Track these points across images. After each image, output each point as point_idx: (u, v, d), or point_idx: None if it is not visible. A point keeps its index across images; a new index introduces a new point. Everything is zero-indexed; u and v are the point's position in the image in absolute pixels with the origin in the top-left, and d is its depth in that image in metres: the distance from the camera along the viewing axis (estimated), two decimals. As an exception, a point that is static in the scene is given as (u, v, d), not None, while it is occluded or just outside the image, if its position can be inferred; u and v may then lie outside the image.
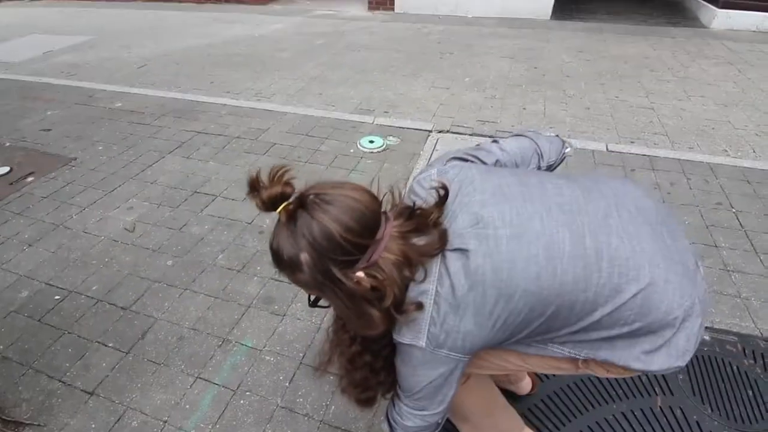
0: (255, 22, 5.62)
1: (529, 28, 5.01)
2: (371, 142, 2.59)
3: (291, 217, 0.61)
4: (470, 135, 2.69)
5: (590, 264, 0.62)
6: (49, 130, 2.92)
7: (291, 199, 0.62)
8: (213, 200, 2.16)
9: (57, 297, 1.65)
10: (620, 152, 2.46)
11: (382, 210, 0.66)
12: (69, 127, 2.94)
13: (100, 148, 2.67)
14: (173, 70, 3.93)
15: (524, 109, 3.02)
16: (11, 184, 2.34)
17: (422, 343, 0.65)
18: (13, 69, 4.13)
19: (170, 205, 2.13)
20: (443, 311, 0.63)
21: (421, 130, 2.75)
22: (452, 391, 0.71)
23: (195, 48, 4.58)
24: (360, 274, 0.62)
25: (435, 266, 0.64)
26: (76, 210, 2.12)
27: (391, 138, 2.65)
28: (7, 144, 2.75)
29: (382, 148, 2.55)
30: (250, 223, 1.99)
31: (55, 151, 2.65)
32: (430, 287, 0.64)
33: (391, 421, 0.78)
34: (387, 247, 0.62)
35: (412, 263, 0.63)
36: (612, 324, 0.64)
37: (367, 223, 0.62)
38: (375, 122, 2.86)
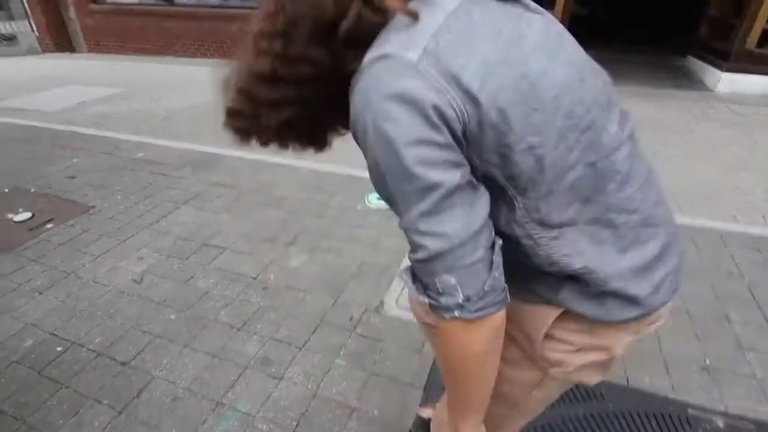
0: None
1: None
2: (379, 198, 2.64)
3: None
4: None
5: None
6: (73, 177, 3.06)
7: None
8: (221, 253, 2.20)
9: (59, 348, 1.66)
10: (627, 216, 2.46)
11: None
12: (92, 176, 3.08)
13: (119, 197, 2.78)
14: (195, 123, 4.14)
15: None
16: (31, 230, 2.44)
17: (413, 55, 0.44)
18: (48, 118, 4.40)
19: (179, 257, 2.18)
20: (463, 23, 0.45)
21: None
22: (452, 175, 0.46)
23: (218, 102, 4.83)
24: None
25: None
26: (88, 259, 2.18)
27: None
28: (33, 190, 2.89)
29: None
30: (255, 278, 2.01)
31: (76, 199, 2.76)
32: None
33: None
34: None
35: None
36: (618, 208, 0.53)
37: None
38: (384, 178, 2.93)
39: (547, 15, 0.54)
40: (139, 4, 7.61)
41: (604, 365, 0.65)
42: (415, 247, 0.49)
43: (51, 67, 7.20)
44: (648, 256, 0.57)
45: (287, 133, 0.58)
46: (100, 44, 8.17)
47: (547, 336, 0.62)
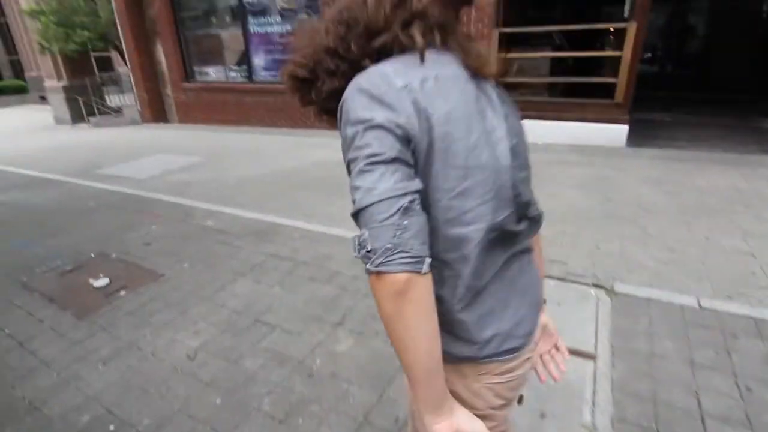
0: (336, 146, 6.28)
1: (601, 156, 4.99)
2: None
3: None
4: (537, 276, 2.56)
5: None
6: (149, 244, 3.33)
7: None
8: (271, 331, 2.21)
9: (111, 428, 1.70)
10: (716, 310, 2.16)
11: None
12: (165, 243, 3.33)
13: (186, 265, 2.96)
14: (261, 192, 4.42)
15: (598, 248, 2.85)
16: (106, 296, 2.63)
17: (389, 69, 0.63)
18: (136, 185, 4.94)
19: (232, 333, 2.22)
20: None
21: (484, 266, 2.69)
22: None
23: (283, 170, 5.17)
24: None
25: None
26: (150, 330, 2.28)
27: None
28: (114, 256, 3.17)
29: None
30: (301, 362, 1.98)
31: (149, 266, 2.98)
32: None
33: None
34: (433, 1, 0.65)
35: (436, 26, 0.65)
36: None
37: None
38: (437, 254, 2.86)
39: (509, 107, 0.72)
40: (223, 81, 8.59)
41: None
42: (352, 203, 0.60)
43: (147, 137, 8.22)
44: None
45: (330, 101, 0.69)
46: (188, 116, 9.25)
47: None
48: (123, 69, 11.06)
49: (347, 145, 0.62)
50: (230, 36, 8.22)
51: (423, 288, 0.57)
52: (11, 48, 20.38)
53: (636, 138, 5.48)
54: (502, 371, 0.74)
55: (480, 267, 0.67)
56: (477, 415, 0.68)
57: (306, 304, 2.41)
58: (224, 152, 6.42)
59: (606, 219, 3.29)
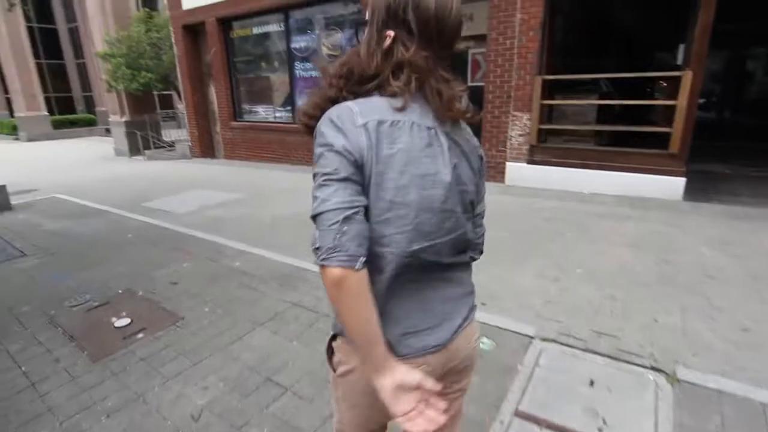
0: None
1: (656, 210, 4.61)
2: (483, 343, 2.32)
3: None
4: (582, 350, 2.26)
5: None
6: (176, 283, 3.31)
7: None
8: (282, 394, 2.03)
9: (99, 498, 1.55)
10: (810, 414, 1.77)
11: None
12: (191, 283, 3.29)
13: (206, 309, 2.88)
14: (293, 233, 4.37)
15: (655, 321, 2.51)
16: (124, 338, 2.58)
17: (357, 109, 0.76)
18: (175, 219, 5.05)
19: (241, 392, 2.06)
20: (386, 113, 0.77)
21: (521, 334, 2.42)
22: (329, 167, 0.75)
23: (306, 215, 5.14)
24: (392, 33, 0.78)
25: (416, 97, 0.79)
26: (160, 381, 2.17)
27: (485, 340, 2.36)
28: (140, 293, 3.15)
29: (473, 352, 2.26)
30: (309, 437, 1.78)
31: (171, 308, 2.92)
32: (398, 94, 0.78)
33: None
34: (418, 50, 0.77)
35: (417, 73, 0.78)
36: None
37: (441, 29, 0.78)
38: (469, 315, 2.63)
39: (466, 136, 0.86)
40: (268, 121, 8.94)
41: None
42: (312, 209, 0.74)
43: (193, 171, 8.58)
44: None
45: None
46: (234, 152, 9.63)
47: None
48: (181, 106, 11.84)
49: (315, 161, 0.77)
50: (277, 79, 8.61)
51: (356, 281, 0.70)
52: (86, 85, 22.54)
53: (693, 192, 5.05)
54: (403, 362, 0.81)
55: (391, 281, 0.80)
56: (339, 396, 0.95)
57: (322, 366, 2.23)
58: (264, 189, 6.54)
59: (663, 285, 2.94)
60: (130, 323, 2.74)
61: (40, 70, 19.90)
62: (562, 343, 2.32)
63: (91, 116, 21.68)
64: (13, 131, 19.33)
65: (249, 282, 3.26)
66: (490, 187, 5.94)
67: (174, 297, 3.08)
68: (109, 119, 13.34)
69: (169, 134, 12.72)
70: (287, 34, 7.89)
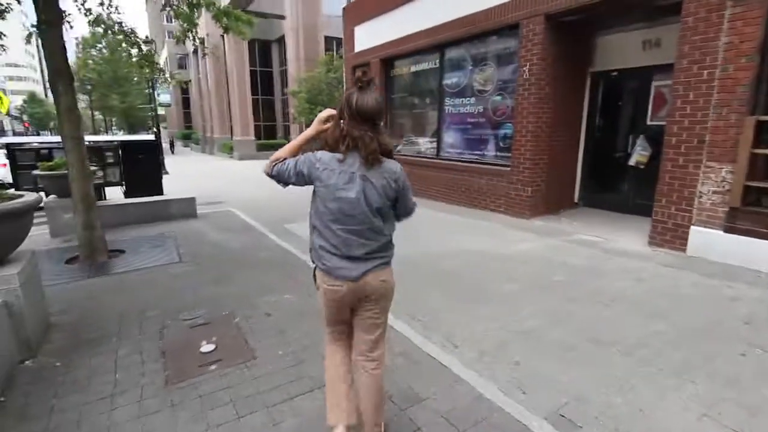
0: (504, 236, 5.55)
1: None
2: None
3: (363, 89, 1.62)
4: None
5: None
6: (269, 315, 3.34)
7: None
8: (297, 494, 1.70)
9: None
10: None
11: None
12: (283, 317, 3.28)
13: (280, 352, 2.78)
14: (397, 275, 4.06)
15: None
16: (200, 366, 2.64)
17: (318, 156, 1.63)
18: (300, 245, 5.31)
19: (261, 473, 1.81)
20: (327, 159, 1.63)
21: None
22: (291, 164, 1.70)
23: (432, 253, 4.77)
24: (342, 120, 1.63)
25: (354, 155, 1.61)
26: (202, 428, 2.09)
27: None
28: (237, 319, 3.27)
29: None
30: None
31: (252, 342, 2.92)
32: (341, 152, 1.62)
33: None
34: (351, 127, 1.59)
35: (352, 138, 1.59)
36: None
37: (363, 114, 1.59)
38: (575, 451, 1.86)
39: (381, 170, 1.64)
40: (413, 154, 9.00)
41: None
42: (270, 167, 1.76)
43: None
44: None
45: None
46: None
47: None
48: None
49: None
50: (426, 115, 8.64)
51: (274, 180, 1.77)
52: (286, 116, 27.09)
53: None
54: (324, 279, 1.75)
55: (318, 231, 1.70)
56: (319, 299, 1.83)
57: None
58: (401, 224, 6.48)
59: None
60: (213, 350, 2.82)
61: (255, 103, 24.87)
62: None
63: (286, 141, 25.97)
64: (230, 151, 24.48)
65: (316, 328, 3.06)
66: (661, 256, 4.52)
67: (261, 330, 3.09)
68: (291, 146, 15.59)
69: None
70: (441, 71, 7.86)
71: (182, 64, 39.76)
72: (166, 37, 42.36)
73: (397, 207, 1.78)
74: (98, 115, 37.58)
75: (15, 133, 46.76)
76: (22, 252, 3.02)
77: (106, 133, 38.22)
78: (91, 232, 4.89)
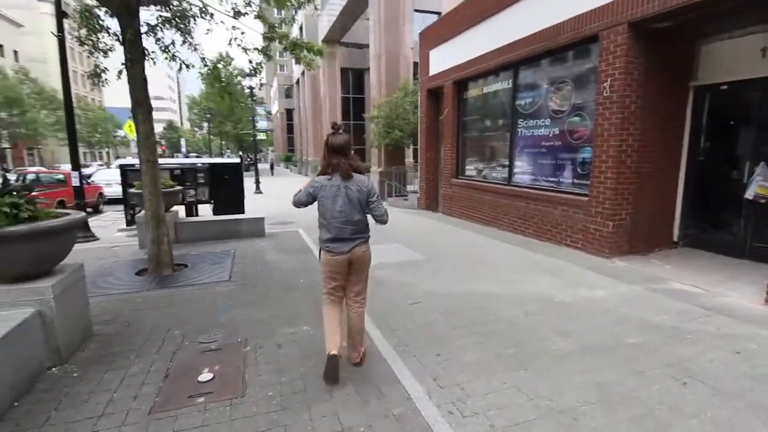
0: (574, 278, 4.76)
1: None
2: None
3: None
4: None
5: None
6: (280, 347, 3.19)
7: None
8: None
9: None
10: None
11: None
12: (291, 352, 3.10)
13: (270, 393, 2.58)
14: (424, 324, 3.60)
15: None
16: (189, 397, 2.55)
17: (315, 178, 2.76)
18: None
19: None
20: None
21: None
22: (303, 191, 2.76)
23: (484, 294, 4.25)
24: (327, 153, 2.74)
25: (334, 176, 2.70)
26: (156, 471, 1.96)
27: None
28: (247, 349, 3.16)
29: None
30: None
31: (249, 376, 2.77)
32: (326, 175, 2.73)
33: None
34: (330, 157, 2.70)
35: (333, 165, 2.68)
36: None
37: (336, 148, 2.69)
38: None
39: (355, 183, 2.71)
40: (483, 180, 8.45)
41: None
42: (293, 200, 2.84)
43: (407, 222, 8.94)
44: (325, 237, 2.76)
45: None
46: (451, 209, 9.58)
47: None
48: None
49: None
50: (498, 138, 8.07)
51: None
52: (364, 140, 27.89)
53: None
54: (327, 255, 2.73)
55: (324, 226, 2.71)
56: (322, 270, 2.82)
57: None
58: (451, 253, 6.06)
59: None
60: (210, 380, 2.74)
61: (346, 128, 26.12)
62: None
63: (367, 164, 26.69)
64: (321, 173, 25.89)
65: (345, 375, 2.79)
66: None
67: (265, 364, 2.94)
68: (371, 168, 15.87)
69: (415, 184, 14.02)
70: (513, 91, 7.31)
71: (288, 94, 43.60)
72: (278, 69, 47.06)
73: (372, 211, 2.79)
74: (215, 140, 42.85)
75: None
76: (68, 265, 3.29)
77: (221, 155, 43.29)
78: (159, 247, 5.31)
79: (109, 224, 10.54)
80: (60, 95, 30.47)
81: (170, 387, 2.67)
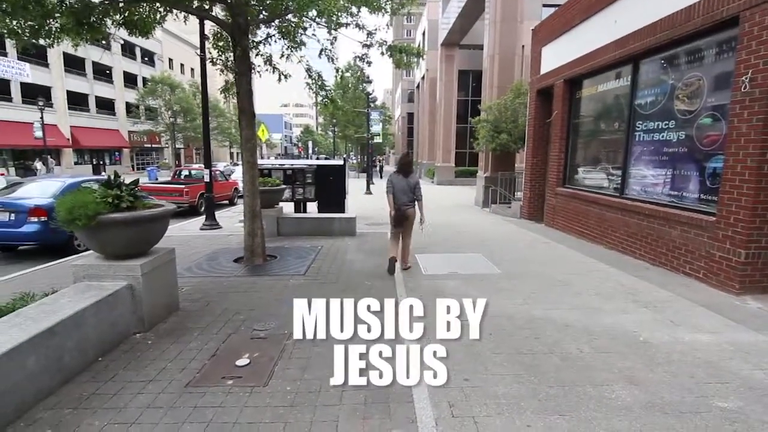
0: (679, 314, 3.90)
1: None
2: None
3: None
4: None
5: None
6: (317, 345, 3.29)
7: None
8: None
9: None
10: None
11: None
12: (322, 352, 3.16)
13: (288, 388, 2.68)
14: (464, 343, 3.27)
15: None
16: (222, 377, 2.80)
17: (392, 173, 5.72)
18: (413, 278, 5.08)
19: None
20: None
21: None
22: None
23: (535, 320, 3.76)
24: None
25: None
26: (167, 439, 2.20)
27: None
28: (288, 341, 3.34)
29: None
30: None
31: (279, 368, 2.92)
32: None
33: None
34: (398, 171, 5.72)
35: (399, 169, 5.71)
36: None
37: (402, 165, 5.78)
38: None
39: (410, 178, 5.61)
40: (590, 190, 7.47)
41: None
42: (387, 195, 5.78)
43: (505, 232, 8.43)
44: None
45: None
46: (554, 220, 8.73)
47: None
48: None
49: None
50: (611, 143, 7.05)
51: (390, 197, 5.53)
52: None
53: None
54: (395, 213, 5.48)
55: (395, 196, 5.45)
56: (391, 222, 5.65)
57: None
58: (533, 270, 5.53)
59: None
60: (245, 365, 2.97)
61: (460, 131, 25.64)
62: None
63: (476, 169, 25.76)
64: (432, 176, 25.89)
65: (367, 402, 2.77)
66: None
67: (297, 358, 3.07)
68: (477, 173, 15.33)
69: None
70: (632, 88, 6.29)
71: (411, 98, 44.67)
72: (403, 75, 48.65)
73: (415, 194, 5.45)
74: (341, 143, 46.27)
75: (292, 156, 64.03)
76: (162, 248, 3.90)
77: (347, 157, 46.65)
78: (253, 239, 5.95)
79: (236, 215, 12.15)
80: (221, 104, 36.41)
81: (212, 366, 2.98)
